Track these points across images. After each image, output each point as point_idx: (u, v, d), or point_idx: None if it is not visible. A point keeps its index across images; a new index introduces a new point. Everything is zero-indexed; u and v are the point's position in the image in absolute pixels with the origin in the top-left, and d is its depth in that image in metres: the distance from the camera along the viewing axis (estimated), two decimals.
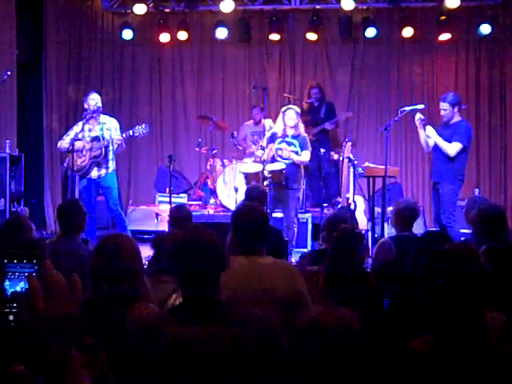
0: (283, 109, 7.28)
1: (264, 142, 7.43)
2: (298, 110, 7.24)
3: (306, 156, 7.11)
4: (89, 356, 2.02)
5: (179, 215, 4.77)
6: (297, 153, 7.08)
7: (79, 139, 6.90)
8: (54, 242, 4.31)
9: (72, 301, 1.17)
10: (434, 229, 6.71)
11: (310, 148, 7.23)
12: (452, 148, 6.41)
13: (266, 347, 2.15)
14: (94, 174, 6.97)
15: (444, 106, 6.55)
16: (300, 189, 7.28)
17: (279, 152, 7.05)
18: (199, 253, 2.24)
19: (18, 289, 1.21)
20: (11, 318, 1.19)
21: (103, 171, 6.98)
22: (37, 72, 9.21)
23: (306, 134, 7.35)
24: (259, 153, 7.51)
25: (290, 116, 7.06)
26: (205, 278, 2.24)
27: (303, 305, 3.09)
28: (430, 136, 6.54)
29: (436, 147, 6.62)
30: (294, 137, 7.08)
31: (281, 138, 7.09)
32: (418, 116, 6.64)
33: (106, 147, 6.88)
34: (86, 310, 2.56)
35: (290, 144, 7.08)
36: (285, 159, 7.03)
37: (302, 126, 7.27)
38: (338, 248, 3.37)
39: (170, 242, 2.39)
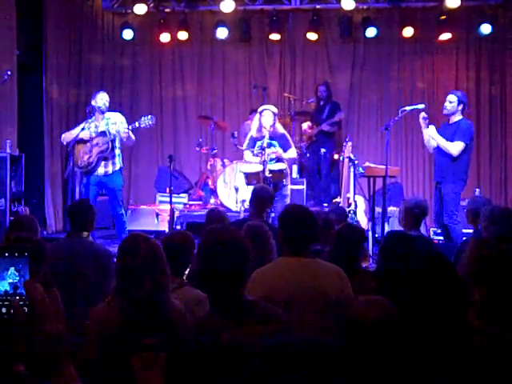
0: (260, 109, 7.28)
1: (244, 146, 7.46)
2: (275, 110, 7.23)
3: (292, 153, 7.23)
4: (151, 356, 2.03)
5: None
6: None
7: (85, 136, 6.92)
8: (66, 241, 4.34)
9: (57, 319, 1.17)
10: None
11: (292, 144, 7.34)
12: (454, 147, 6.38)
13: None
14: (101, 170, 6.93)
15: (451, 98, 6.51)
16: (287, 186, 7.31)
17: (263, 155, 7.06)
18: (227, 254, 2.23)
19: (10, 281, 1.22)
20: (4, 310, 1.20)
21: (110, 168, 6.95)
22: (37, 72, 9.20)
23: (284, 131, 7.36)
24: (248, 155, 7.49)
25: (267, 117, 7.07)
26: (231, 280, 2.23)
27: (350, 306, 3.12)
28: (432, 136, 6.52)
29: (439, 147, 6.59)
30: (271, 138, 7.09)
31: (259, 140, 7.10)
32: (423, 114, 6.62)
33: (113, 141, 6.87)
34: (130, 309, 2.56)
35: (269, 145, 7.09)
36: (271, 160, 7.05)
37: (279, 126, 7.29)
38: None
39: (200, 242, 2.37)
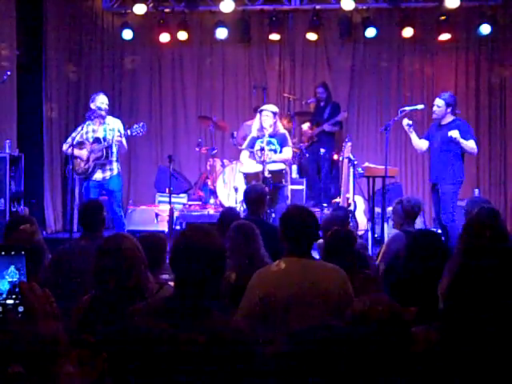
0: (260, 108, 7.29)
1: (244, 145, 7.46)
2: (275, 109, 7.25)
3: (287, 152, 7.23)
4: (87, 353, 2.03)
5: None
6: (275, 151, 7.11)
7: (82, 141, 6.89)
8: (79, 241, 4.35)
9: (52, 320, 1.18)
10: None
11: (290, 144, 7.36)
12: (473, 145, 6.42)
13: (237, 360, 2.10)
14: (99, 176, 6.93)
15: (438, 102, 6.54)
16: (287, 186, 7.31)
17: (259, 154, 7.06)
18: (197, 257, 2.20)
19: (10, 280, 1.22)
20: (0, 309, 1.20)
21: (108, 173, 6.95)
22: (37, 72, 9.20)
23: (285, 131, 7.39)
24: (244, 156, 7.49)
25: (266, 116, 7.09)
26: (198, 283, 2.21)
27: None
28: (456, 139, 6.36)
29: (434, 149, 6.62)
30: (271, 135, 7.12)
31: (259, 138, 7.12)
32: (406, 121, 6.67)
33: (108, 148, 6.85)
34: (92, 308, 2.62)
35: (268, 143, 7.11)
36: (268, 162, 7.05)
37: (280, 125, 7.31)
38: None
39: (174, 240, 2.38)
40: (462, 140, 6.35)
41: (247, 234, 3.89)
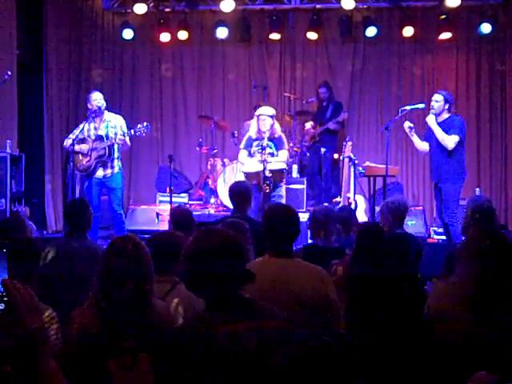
0: (257, 113, 7.20)
1: (242, 145, 7.43)
2: (272, 112, 7.19)
3: (283, 155, 7.15)
4: (129, 359, 2.04)
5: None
6: (272, 154, 7.10)
7: (84, 138, 6.91)
8: (63, 241, 4.33)
9: (35, 315, 1.18)
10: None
11: (286, 146, 7.29)
12: (451, 140, 6.42)
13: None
14: (100, 173, 6.95)
15: (437, 97, 6.59)
16: (282, 187, 7.29)
17: (257, 154, 7.04)
18: (224, 256, 2.20)
19: None
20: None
21: (109, 171, 6.97)
22: (37, 72, 9.21)
23: (281, 134, 7.34)
24: (242, 155, 7.45)
25: (264, 119, 7.05)
26: (229, 280, 2.20)
27: (332, 310, 3.09)
28: (430, 125, 6.52)
29: (434, 147, 6.62)
30: (269, 139, 7.08)
31: (256, 140, 7.08)
32: (407, 124, 6.70)
33: (110, 146, 6.87)
34: (106, 312, 2.57)
35: (265, 147, 7.09)
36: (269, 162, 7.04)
37: (277, 127, 7.26)
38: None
39: (188, 246, 2.33)
40: (436, 127, 6.46)
41: (239, 230, 3.87)
